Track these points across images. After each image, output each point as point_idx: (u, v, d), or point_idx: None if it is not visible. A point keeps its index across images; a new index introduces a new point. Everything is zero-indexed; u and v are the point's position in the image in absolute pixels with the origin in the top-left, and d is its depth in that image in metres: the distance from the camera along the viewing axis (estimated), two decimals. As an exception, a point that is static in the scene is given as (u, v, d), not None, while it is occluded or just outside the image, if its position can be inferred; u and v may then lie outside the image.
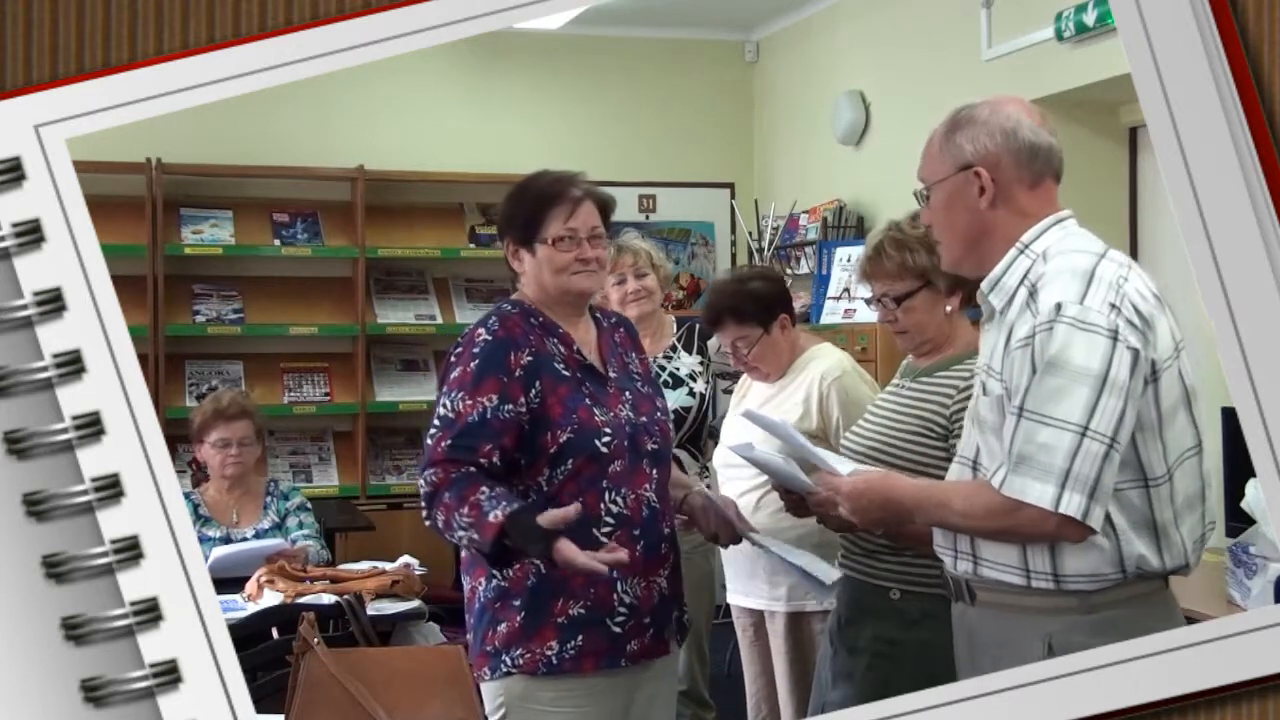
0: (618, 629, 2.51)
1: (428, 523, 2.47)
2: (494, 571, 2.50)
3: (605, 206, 2.63)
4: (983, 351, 2.16)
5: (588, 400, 2.52)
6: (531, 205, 2.58)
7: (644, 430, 2.58)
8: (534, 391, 2.48)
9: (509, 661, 2.48)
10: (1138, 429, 1.97)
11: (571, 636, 2.48)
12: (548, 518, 2.32)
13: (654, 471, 2.59)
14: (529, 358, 2.49)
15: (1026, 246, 2.07)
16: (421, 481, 2.47)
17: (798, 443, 2.44)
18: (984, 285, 2.12)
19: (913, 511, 2.19)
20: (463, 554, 2.61)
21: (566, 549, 2.32)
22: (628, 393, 2.61)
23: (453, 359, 2.54)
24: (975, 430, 2.12)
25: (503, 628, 2.50)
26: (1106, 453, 1.92)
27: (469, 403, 2.45)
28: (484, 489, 2.39)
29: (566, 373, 2.53)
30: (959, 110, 2.16)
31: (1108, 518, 1.96)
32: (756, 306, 3.31)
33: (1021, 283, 2.05)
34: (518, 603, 2.49)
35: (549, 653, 2.47)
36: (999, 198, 2.09)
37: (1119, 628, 1.91)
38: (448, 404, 2.48)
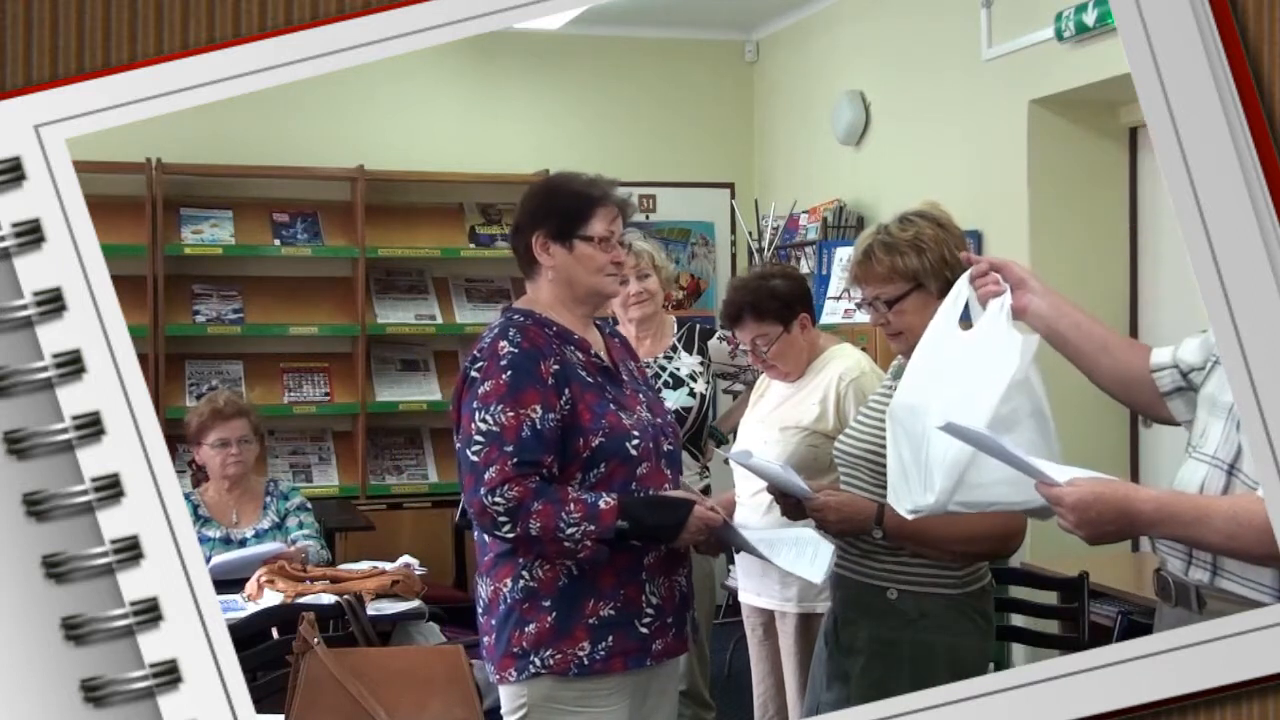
0: (645, 629, 2.53)
1: (511, 535, 2.44)
2: (523, 572, 2.50)
3: (627, 218, 2.68)
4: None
5: (612, 405, 2.54)
6: (577, 201, 2.59)
7: (661, 431, 2.62)
8: (564, 399, 2.49)
9: (538, 662, 2.48)
10: None
11: (602, 637, 2.49)
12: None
13: (669, 471, 2.62)
14: (556, 366, 2.50)
15: None
16: (496, 500, 2.41)
17: (1004, 451, 2.15)
18: None
19: (1154, 526, 2.01)
20: (484, 557, 2.58)
21: (703, 512, 2.51)
22: (641, 394, 2.65)
23: (474, 373, 2.50)
24: (1240, 433, 1.92)
25: (531, 628, 2.49)
26: None
27: (512, 415, 2.44)
28: (570, 489, 2.46)
29: (590, 379, 2.55)
30: None
31: None
32: (777, 304, 3.30)
33: None
34: (548, 603, 2.49)
35: (580, 653, 2.48)
36: None
37: None
38: (489, 418, 2.45)
